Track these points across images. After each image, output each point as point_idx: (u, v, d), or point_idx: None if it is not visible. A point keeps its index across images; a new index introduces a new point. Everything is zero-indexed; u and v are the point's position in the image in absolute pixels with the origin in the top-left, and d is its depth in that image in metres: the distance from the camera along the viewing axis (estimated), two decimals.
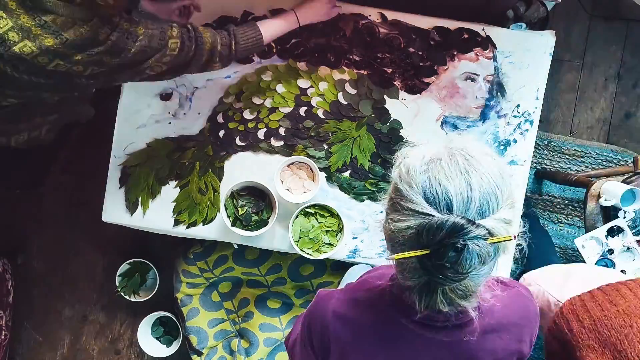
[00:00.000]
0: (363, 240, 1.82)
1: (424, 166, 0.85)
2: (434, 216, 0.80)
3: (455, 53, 1.82)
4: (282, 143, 1.83)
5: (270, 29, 1.63)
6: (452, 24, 1.82)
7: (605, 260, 1.82)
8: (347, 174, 1.82)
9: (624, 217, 1.83)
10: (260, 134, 1.83)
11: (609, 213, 1.86)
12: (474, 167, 0.82)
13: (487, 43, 1.82)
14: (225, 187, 1.81)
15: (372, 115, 1.82)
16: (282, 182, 1.79)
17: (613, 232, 1.83)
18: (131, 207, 1.83)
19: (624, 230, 1.82)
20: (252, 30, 1.58)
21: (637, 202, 1.77)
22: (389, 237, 0.88)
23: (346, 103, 1.82)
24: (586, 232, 1.90)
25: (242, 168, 1.83)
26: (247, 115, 1.83)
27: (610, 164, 2.35)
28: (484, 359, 0.95)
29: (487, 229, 0.79)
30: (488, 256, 0.80)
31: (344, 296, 1.04)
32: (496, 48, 1.82)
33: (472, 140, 0.87)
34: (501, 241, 0.80)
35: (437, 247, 0.79)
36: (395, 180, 0.88)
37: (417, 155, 0.88)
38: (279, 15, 1.69)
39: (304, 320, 1.12)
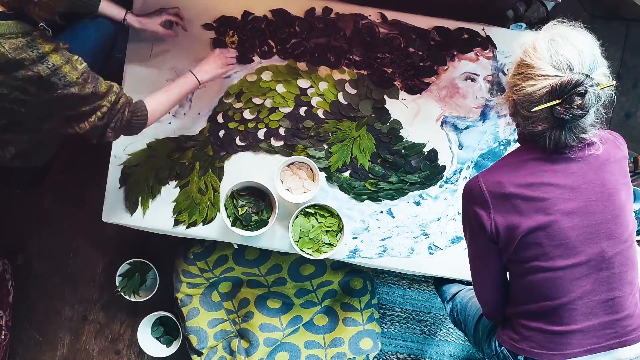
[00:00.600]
0: (363, 240, 1.82)
1: (546, 44, 1.19)
2: (562, 76, 1.15)
3: (455, 53, 1.82)
4: (282, 143, 1.83)
5: (160, 102, 1.58)
6: (452, 24, 1.82)
7: None
8: (347, 174, 1.82)
9: None
10: (260, 134, 1.83)
11: None
12: (578, 41, 1.19)
13: (487, 43, 1.82)
14: (225, 187, 1.81)
15: (372, 115, 1.82)
16: (282, 182, 1.79)
17: None
18: (131, 207, 1.83)
19: None
20: (142, 110, 1.53)
21: (637, 201, 1.77)
22: (522, 101, 1.21)
23: (346, 103, 1.82)
24: None
25: (242, 168, 1.83)
26: (247, 115, 1.83)
27: None
28: (609, 167, 1.26)
29: (596, 80, 1.15)
30: (599, 97, 1.16)
31: (486, 172, 1.33)
32: (496, 48, 1.82)
33: (563, 26, 1.24)
34: (607, 86, 1.17)
35: (566, 96, 1.14)
36: (524, 58, 1.22)
37: (536, 38, 1.22)
38: (176, 81, 1.63)
39: (465, 222, 1.38)
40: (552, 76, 1.16)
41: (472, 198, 1.30)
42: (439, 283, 1.92)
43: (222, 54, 1.72)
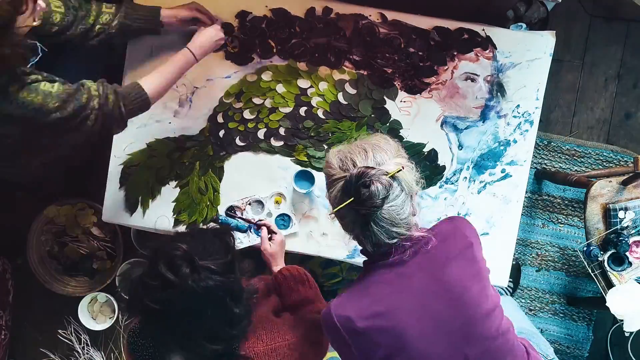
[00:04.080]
0: None
1: (335, 153, 1.22)
2: (347, 175, 1.16)
3: (455, 53, 1.82)
4: (282, 143, 1.83)
5: (158, 81, 1.56)
6: (452, 24, 1.82)
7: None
8: None
9: (623, 218, 1.83)
10: (260, 134, 1.83)
11: (609, 214, 1.86)
12: (365, 142, 1.21)
13: (487, 43, 1.82)
14: (226, 187, 1.81)
15: (372, 115, 1.82)
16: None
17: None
18: (131, 207, 1.83)
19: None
20: (137, 91, 1.53)
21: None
22: (332, 206, 1.21)
23: (346, 103, 1.82)
24: (586, 232, 1.90)
25: (242, 168, 1.83)
26: (247, 115, 1.83)
27: (610, 164, 2.35)
28: (452, 265, 1.22)
29: (384, 170, 1.15)
30: (390, 186, 1.14)
31: (338, 302, 1.26)
32: (496, 48, 1.82)
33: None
34: (394, 173, 1.14)
35: (354, 191, 1.14)
36: (324, 171, 1.25)
37: (330, 151, 1.25)
38: (172, 58, 1.61)
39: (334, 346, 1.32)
40: (341, 177, 1.18)
41: (332, 336, 1.26)
42: None
43: (212, 28, 1.70)
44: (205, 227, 1.22)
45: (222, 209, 1.80)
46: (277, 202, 1.81)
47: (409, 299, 1.21)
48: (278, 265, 1.60)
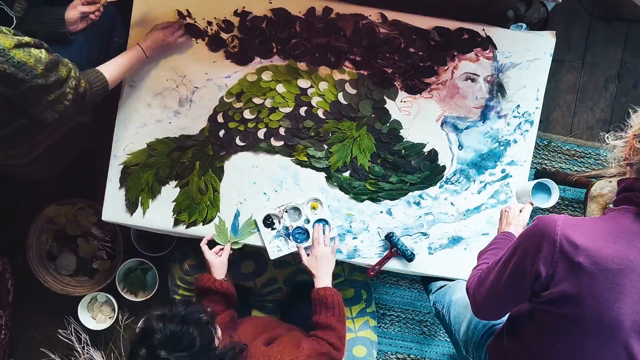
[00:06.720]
0: (363, 240, 1.82)
1: None
2: None
3: (455, 53, 1.82)
4: (282, 143, 1.83)
5: (116, 71, 1.64)
6: (452, 24, 1.82)
7: None
8: (347, 174, 1.82)
9: None
10: (261, 134, 1.83)
11: None
12: None
13: (487, 43, 1.82)
14: (225, 187, 1.81)
15: (372, 115, 1.82)
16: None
17: None
18: (131, 207, 1.83)
19: None
20: (100, 79, 1.58)
21: (554, 195, 1.67)
22: None
23: (346, 103, 1.82)
24: None
25: (242, 168, 1.83)
26: (247, 115, 1.83)
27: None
28: None
29: None
30: None
31: (569, 222, 1.14)
32: (496, 48, 1.82)
33: None
34: None
35: None
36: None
37: None
38: (125, 52, 1.69)
39: (518, 248, 1.21)
40: None
41: (539, 244, 1.15)
42: (426, 279, 1.91)
43: (164, 26, 1.75)
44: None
45: (259, 217, 1.80)
46: (313, 208, 1.81)
47: None
48: (318, 279, 1.66)
